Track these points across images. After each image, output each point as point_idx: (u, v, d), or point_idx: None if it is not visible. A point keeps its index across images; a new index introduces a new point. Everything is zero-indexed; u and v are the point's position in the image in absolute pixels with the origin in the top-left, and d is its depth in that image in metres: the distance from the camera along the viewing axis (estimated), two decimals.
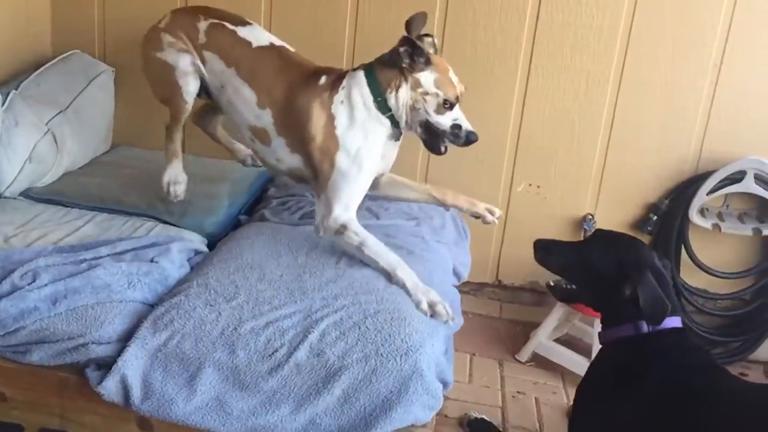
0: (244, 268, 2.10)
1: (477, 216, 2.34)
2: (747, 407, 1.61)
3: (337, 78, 2.24)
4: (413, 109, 2.16)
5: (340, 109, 2.18)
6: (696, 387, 1.68)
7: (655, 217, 2.96)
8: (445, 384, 1.94)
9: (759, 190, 2.84)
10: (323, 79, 2.24)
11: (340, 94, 2.19)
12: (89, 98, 2.91)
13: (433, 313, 2.00)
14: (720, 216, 2.95)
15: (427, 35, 2.24)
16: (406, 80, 2.14)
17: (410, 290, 2.03)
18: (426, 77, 2.14)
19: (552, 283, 1.99)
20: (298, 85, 2.24)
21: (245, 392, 1.80)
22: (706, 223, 2.90)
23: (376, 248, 2.11)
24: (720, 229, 2.89)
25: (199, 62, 2.35)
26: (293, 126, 2.23)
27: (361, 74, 2.20)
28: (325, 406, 1.78)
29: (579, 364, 2.73)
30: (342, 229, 2.12)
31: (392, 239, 2.33)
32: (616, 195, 3.02)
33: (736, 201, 2.98)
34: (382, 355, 1.82)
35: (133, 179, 2.67)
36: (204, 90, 2.42)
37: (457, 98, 2.17)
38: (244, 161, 2.65)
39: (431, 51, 2.20)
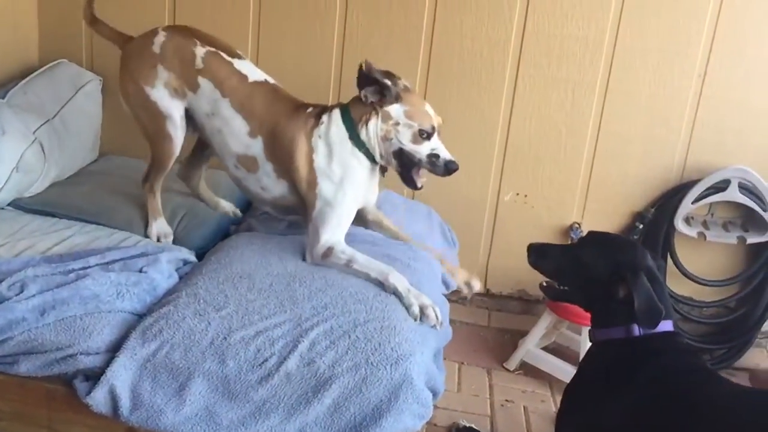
0: (233, 277, 2.09)
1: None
2: (738, 411, 1.61)
3: (320, 112, 2.30)
4: (385, 140, 2.21)
5: (318, 143, 2.24)
6: (686, 390, 1.68)
7: (641, 226, 2.99)
8: (435, 393, 1.95)
9: (743, 199, 2.87)
10: (309, 110, 2.31)
11: (320, 129, 2.26)
12: (77, 107, 2.91)
13: (423, 316, 2.02)
14: (705, 224, 2.98)
15: (396, 77, 2.27)
16: (376, 114, 2.20)
17: (402, 294, 2.05)
18: (396, 109, 2.19)
19: (545, 284, 1.99)
20: (286, 115, 2.30)
21: (235, 402, 1.79)
22: (692, 232, 2.93)
23: (365, 261, 2.15)
24: (705, 238, 2.92)
25: (185, 92, 2.34)
26: (280, 154, 2.28)
27: (336, 112, 2.27)
28: (315, 415, 1.78)
29: (567, 372, 2.74)
30: (328, 252, 2.17)
31: (378, 248, 2.34)
32: (602, 204, 3.05)
33: (721, 210, 3.01)
34: (372, 363, 1.82)
35: (122, 190, 2.66)
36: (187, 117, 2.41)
37: (433, 128, 2.20)
38: (226, 215, 2.68)
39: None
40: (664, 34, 2.84)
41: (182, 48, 2.34)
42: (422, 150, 2.19)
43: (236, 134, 2.32)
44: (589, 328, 2.62)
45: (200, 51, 2.34)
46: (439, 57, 2.97)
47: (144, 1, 2.99)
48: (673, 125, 2.93)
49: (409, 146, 2.18)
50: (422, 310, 2.02)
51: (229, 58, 2.37)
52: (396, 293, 2.06)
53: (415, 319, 2.01)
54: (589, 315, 2.62)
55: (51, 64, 2.99)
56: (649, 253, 1.88)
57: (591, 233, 2.01)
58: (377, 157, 2.25)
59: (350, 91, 3.00)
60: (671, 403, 1.66)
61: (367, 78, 2.18)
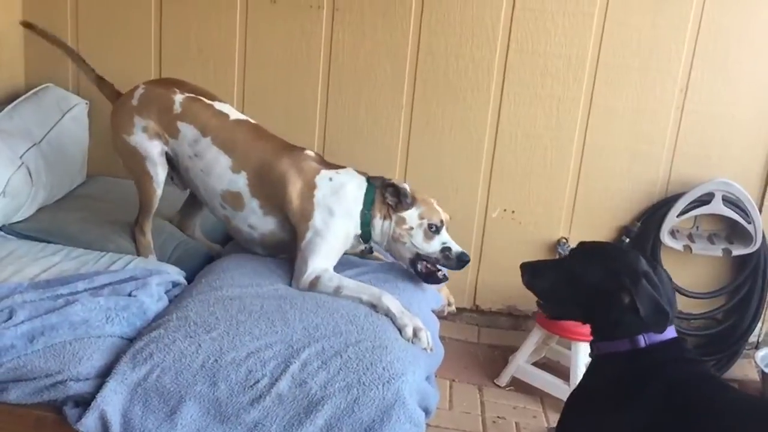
0: (223, 299, 2.09)
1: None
2: (751, 419, 1.59)
3: (327, 162, 2.37)
4: (398, 241, 2.28)
5: (325, 182, 2.28)
6: (698, 401, 1.63)
7: (628, 240, 3.02)
8: (427, 412, 1.95)
9: (727, 212, 2.91)
10: (310, 152, 2.37)
11: (331, 173, 2.31)
12: (63, 131, 2.90)
13: (416, 339, 2.03)
14: (690, 237, 3.01)
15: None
16: (390, 218, 2.27)
17: (396, 315, 2.06)
18: (410, 214, 2.27)
19: (542, 302, 1.94)
20: (278, 150, 2.34)
21: (227, 425, 1.79)
22: (678, 245, 2.96)
23: (354, 286, 2.16)
24: (691, 251, 2.95)
25: (167, 138, 2.39)
26: (269, 188, 2.30)
27: (364, 180, 2.33)
28: None
29: (558, 387, 2.75)
30: (315, 281, 2.18)
31: (364, 269, 2.36)
32: (589, 218, 3.07)
33: (706, 222, 3.05)
34: (364, 383, 1.82)
35: (113, 217, 2.65)
36: (169, 164, 2.46)
37: (442, 222, 2.28)
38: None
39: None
40: (645, 50, 2.89)
41: (160, 97, 2.42)
42: (434, 245, 2.25)
43: (219, 171, 2.34)
44: (580, 342, 2.67)
45: (179, 98, 2.40)
46: (425, 76, 3.00)
47: (130, 47, 3.00)
48: (657, 140, 2.97)
49: (422, 246, 2.25)
50: (415, 332, 2.04)
51: (209, 101, 2.43)
52: (389, 314, 2.07)
53: (408, 341, 2.01)
54: (580, 330, 2.66)
55: (37, 89, 2.99)
56: (642, 256, 1.82)
57: (581, 244, 1.94)
58: (380, 246, 2.35)
59: (336, 110, 3.06)
60: (685, 415, 1.61)
61: (383, 181, 2.28)
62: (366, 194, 2.29)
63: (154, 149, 2.41)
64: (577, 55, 2.92)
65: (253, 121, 2.47)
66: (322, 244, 2.22)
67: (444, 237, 2.28)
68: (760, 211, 2.94)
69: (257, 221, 2.35)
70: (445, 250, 2.26)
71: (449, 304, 2.56)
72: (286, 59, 3.05)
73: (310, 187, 2.27)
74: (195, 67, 2.70)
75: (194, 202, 2.61)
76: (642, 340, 1.71)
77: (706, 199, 2.91)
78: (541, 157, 3.04)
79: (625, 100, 2.94)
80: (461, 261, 2.27)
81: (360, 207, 2.28)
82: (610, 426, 1.69)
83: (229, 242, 2.66)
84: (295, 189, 2.27)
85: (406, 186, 2.29)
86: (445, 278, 2.30)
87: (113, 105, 2.55)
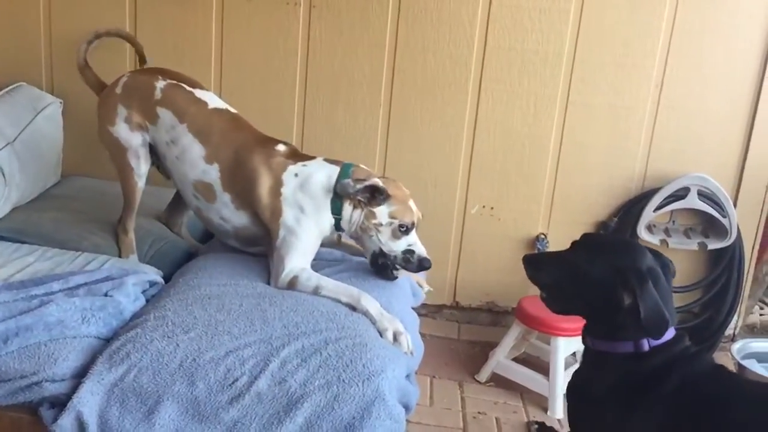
0: (202, 298, 2.07)
1: None
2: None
3: (298, 153, 2.33)
4: (364, 231, 2.24)
5: (290, 179, 2.24)
6: (712, 393, 1.62)
7: None
8: (407, 408, 1.95)
9: (703, 206, 2.94)
10: (281, 147, 2.33)
11: (297, 167, 2.26)
12: (37, 130, 2.86)
13: (396, 342, 2.03)
14: (667, 232, 3.04)
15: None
16: (362, 209, 2.22)
17: (375, 318, 2.06)
18: (382, 211, 2.22)
19: (545, 295, 1.86)
20: (251, 144, 2.31)
21: (205, 424, 1.77)
22: (654, 239, 2.99)
23: (333, 286, 2.15)
24: (667, 245, 2.98)
25: (147, 125, 2.39)
26: (240, 183, 2.28)
27: (335, 168, 2.26)
28: None
29: (538, 382, 2.76)
30: (294, 281, 2.17)
31: (343, 266, 2.36)
32: (567, 214, 3.09)
33: (682, 217, 3.08)
34: (344, 381, 1.81)
35: (88, 216, 2.63)
36: (152, 153, 2.46)
37: (413, 223, 2.24)
38: None
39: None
40: (620, 46, 2.91)
41: (143, 84, 2.43)
42: (399, 246, 2.22)
43: (192, 159, 2.33)
44: (559, 337, 2.68)
45: (160, 84, 2.40)
46: (403, 73, 3.00)
47: (105, 44, 2.96)
48: (633, 135, 3.00)
49: (387, 244, 2.22)
50: (395, 336, 2.03)
51: (189, 88, 2.42)
52: (368, 317, 2.06)
53: (391, 343, 2.02)
54: (560, 325, 2.68)
55: (9, 88, 2.95)
56: (649, 250, 1.76)
57: (586, 236, 1.86)
58: (347, 233, 2.29)
59: (313, 108, 3.05)
60: (704, 410, 1.60)
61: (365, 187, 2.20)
62: (339, 178, 2.23)
63: (135, 140, 2.41)
64: (554, 52, 2.93)
65: (233, 110, 2.44)
66: (296, 243, 2.20)
67: (411, 238, 2.24)
68: (735, 205, 2.98)
69: (230, 215, 2.33)
70: (408, 252, 2.22)
71: (421, 286, 2.52)
72: (263, 56, 3.03)
73: (277, 184, 2.24)
74: (170, 64, 2.67)
75: (181, 200, 2.59)
76: (646, 344, 1.68)
77: (681, 194, 2.94)
78: (519, 154, 3.05)
79: (602, 97, 2.96)
80: (421, 266, 2.23)
81: (330, 195, 2.23)
82: (626, 428, 1.66)
83: (208, 241, 2.65)
84: (263, 187, 2.25)
85: (379, 182, 2.22)
86: (395, 278, 2.28)
87: (98, 96, 2.55)
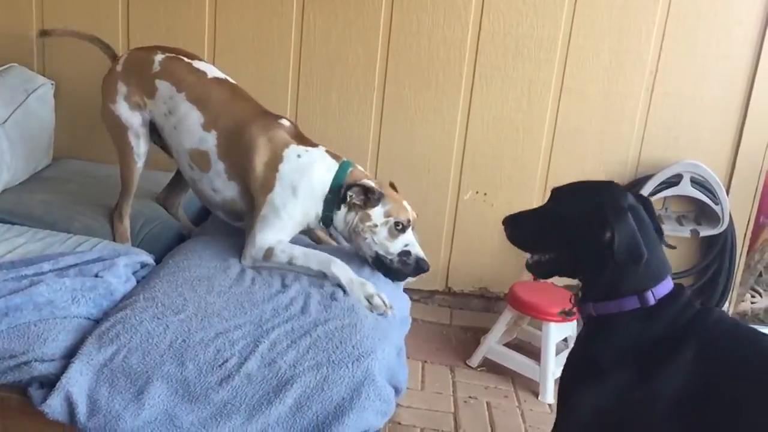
0: (192, 280, 2.07)
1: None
2: None
3: (302, 136, 2.29)
4: (359, 236, 2.19)
5: (292, 157, 2.21)
6: (738, 354, 1.53)
7: None
8: (397, 389, 1.95)
9: (695, 193, 2.94)
10: (285, 122, 2.29)
11: (301, 149, 2.23)
12: (28, 112, 2.84)
13: (371, 307, 2.03)
14: (660, 218, 3.04)
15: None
16: (356, 212, 2.18)
17: (345, 285, 2.06)
18: (377, 212, 2.18)
19: (530, 261, 1.78)
20: (252, 114, 2.29)
21: (195, 404, 1.77)
22: None
23: (304, 254, 2.14)
24: None
25: (145, 101, 2.38)
26: (237, 151, 2.25)
27: (335, 163, 2.22)
28: (277, 415, 1.76)
29: (529, 368, 2.77)
30: (269, 252, 2.15)
31: (340, 250, 2.35)
32: None
33: (675, 204, 3.08)
34: (333, 362, 1.82)
35: (78, 198, 2.61)
36: (152, 131, 2.45)
37: (409, 221, 2.19)
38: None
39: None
40: (615, 32, 2.90)
41: (142, 59, 2.42)
42: (396, 246, 2.17)
43: (190, 126, 2.30)
44: (551, 323, 2.69)
45: (159, 57, 2.40)
46: (397, 57, 2.99)
47: (97, 27, 2.93)
48: (627, 121, 2.99)
49: (383, 245, 2.17)
50: (369, 299, 2.03)
51: (188, 60, 2.41)
52: (340, 285, 2.06)
53: (369, 310, 2.02)
54: (551, 310, 2.69)
55: (1, 69, 2.92)
56: (631, 193, 1.67)
57: (561, 186, 1.77)
58: (341, 233, 2.26)
59: (307, 92, 3.04)
60: (728, 369, 1.50)
61: (353, 185, 2.17)
62: (334, 179, 2.22)
63: (135, 120, 2.40)
64: (549, 37, 2.92)
65: (233, 81, 2.42)
66: (276, 221, 2.18)
67: (408, 238, 2.20)
68: (728, 192, 2.99)
69: (221, 185, 2.31)
70: (405, 254, 2.17)
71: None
72: (257, 40, 3.02)
73: (276, 159, 2.21)
74: (160, 44, 2.66)
75: (180, 181, 2.58)
76: (651, 297, 1.57)
77: (674, 181, 2.94)
78: (512, 139, 3.04)
79: (596, 83, 2.96)
80: (419, 268, 2.18)
81: (326, 190, 2.21)
82: (640, 398, 1.53)
83: (201, 223, 2.64)
84: (260, 158, 2.22)
85: (372, 183, 2.20)
86: (404, 278, 2.22)
87: None
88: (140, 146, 2.43)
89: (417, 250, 2.19)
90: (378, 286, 2.13)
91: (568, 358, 1.76)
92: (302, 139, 2.29)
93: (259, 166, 2.22)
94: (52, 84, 3.02)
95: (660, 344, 1.55)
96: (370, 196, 2.17)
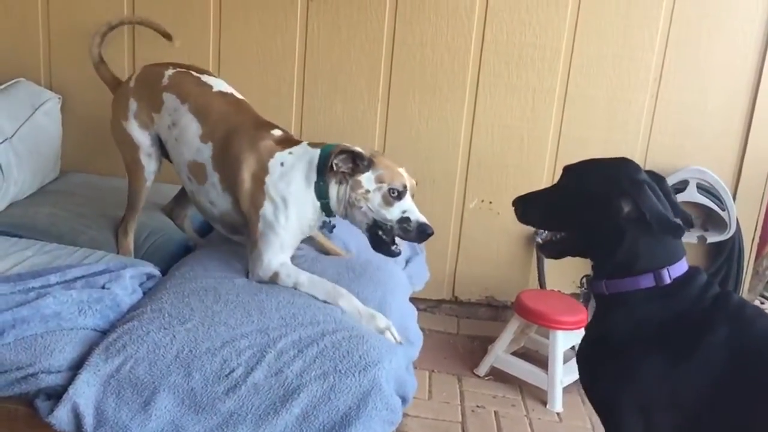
0: (198, 290, 2.07)
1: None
2: None
3: (290, 140, 2.24)
4: (354, 206, 2.11)
5: (277, 168, 2.16)
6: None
7: None
8: (404, 399, 1.94)
9: (702, 199, 2.94)
10: (276, 132, 2.25)
11: (284, 154, 2.17)
12: (35, 126, 2.87)
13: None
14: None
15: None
16: (346, 182, 2.11)
17: (354, 318, 2.02)
18: (367, 177, 2.09)
19: (540, 241, 1.75)
20: (245, 126, 2.25)
21: (202, 415, 1.76)
22: None
23: (310, 282, 2.10)
24: None
25: (152, 116, 2.38)
26: (227, 163, 2.23)
27: (317, 152, 2.15)
28: (284, 425, 1.76)
29: (537, 376, 2.76)
30: (275, 276, 2.13)
31: (339, 260, 2.35)
32: None
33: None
34: (340, 371, 1.81)
35: (85, 211, 2.63)
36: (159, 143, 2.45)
37: (405, 186, 2.09)
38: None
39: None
40: (618, 40, 2.91)
41: (153, 74, 2.42)
42: (393, 213, 2.07)
43: (189, 138, 2.30)
44: (558, 331, 2.68)
45: (169, 71, 2.40)
46: (401, 67, 3.00)
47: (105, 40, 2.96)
48: (631, 129, 2.99)
49: (379, 212, 2.07)
50: (379, 333, 1.99)
51: (197, 74, 2.41)
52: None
53: None
54: (559, 318, 2.68)
55: (8, 83, 2.95)
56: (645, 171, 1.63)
57: (572, 164, 1.73)
58: (337, 214, 2.18)
59: (311, 102, 3.05)
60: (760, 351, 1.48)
61: (341, 151, 2.09)
62: (319, 164, 2.13)
63: (145, 139, 2.41)
64: (552, 46, 2.93)
65: (240, 96, 2.41)
66: (275, 238, 2.13)
67: (406, 204, 2.08)
68: (734, 198, 2.98)
69: (216, 197, 2.28)
70: (404, 220, 2.06)
71: None
72: (261, 52, 3.04)
73: (262, 172, 2.16)
74: (168, 59, 2.67)
75: (186, 193, 2.56)
76: (666, 275, 1.53)
77: (680, 187, 2.94)
78: (517, 148, 3.05)
79: (600, 90, 2.96)
80: (422, 233, 2.05)
81: (314, 180, 2.13)
82: (678, 380, 1.49)
83: (207, 235, 2.65)
84: (248, 171, 2.17)
85: (360, 149, 2.11)
86: (397, 254, 2.13)
87: (113, 92, 2.55)
88: (151, 165, 2.43)
89: (417, 216, 2.07)
90: (390, 312, 2.09)
91: (584, 340, 1.70)
92: (286, 143, 2.22)
93: (246, 180, 2.17)
94: (59, 98, 3.05)
95: (686, 324, 1.51)
96: (358, 163, 2.08)
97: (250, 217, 2.18)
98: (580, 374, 1.72)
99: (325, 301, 2.06)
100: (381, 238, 2.10)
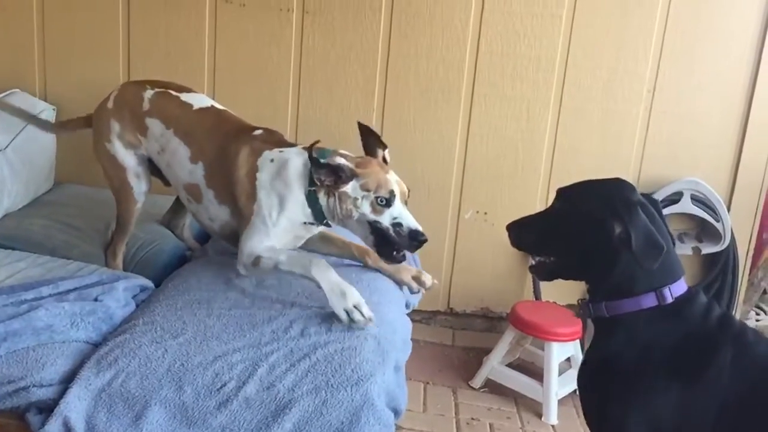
0: (191, 303, 2.07)
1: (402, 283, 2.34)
2: None
3: (280, 140, 2.23)
4: (347, 217, 2.09)
5: (266, 164, 2.15)
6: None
7: None
8: (396, 412, 1.93)
9: (696, 210, 2.94)
10: (259, 132, 2.24)
11: (274, 153, 2.16)
12: (29, 137, 2.86)
13: (349, 321, 1.95)
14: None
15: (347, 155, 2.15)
16: (334, 195, 2.08)
17: (325, 290, 1.97)
18: (352, 186, 2.06)
19: (533, 263, 1.73)
20: (230, 134, 2.25)
21: (193, 429, 1.75)
22: None
23: (288, 258, 2.07)
24: None
25: (139, 139, 2.36)
26: (221, 174, 2.22)
27: (306, 156, 2.09)
28: None
29: (532, 388, 2.75)
30: (257, 260, 2.11)
31: (339, 269, 2.33)
32: None
33: (676, 221, 3.07)
34: (332, 386, 1.80)
35: (78, 223, 2.63)
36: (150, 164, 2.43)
37: (391, 193, 2.05)
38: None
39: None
40: (613, 51, 2.92)
41: (132, 95, 2.40)
42: (384, 220, 2.04)
43: (180, 162, 2.30)
44: (553, 343, 2.67)
45: (148, 93, 2.38)
46: (396, 78, 3.00)
47: (98, 53, 2.96)
48: (626, 140, 3.00)
49: (371, 217, 2.05)
50: (349, 314, 1.95)
51: (176, 94, 2.38)
52: (320, 288, 1.98)
53: (345, 322, 1.95)
54: (554, 330, 2.68)
55: (3, 94, 2.95)
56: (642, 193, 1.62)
57: (562, 188, 1.71)
58: (331, 222, 2.17)
59: (307, 114, 3.05)
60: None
61: (318, 163, 2.05)
62: (310, 171, 2.09)
63: (130, 159, 2.38)
64: (546, 57, 2.93)
65: (219, 106, 2.39)
66: (262, 227, 2.13)
67: (396, 211, 2.05)
68: (729, 209, 2.98)
69: (215, 212, 2.29)
70: (396, 225, 2.03)
71: (419, 281, 2.35)
72: (256, 63, 3.04)
73: (253, 170, 2.16)
74: (164, 72, 2.69)
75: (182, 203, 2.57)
76: (668, 293, 1.52)
77: (675, 199, 2.94)
78: (512, 159, 3.05)
79: (594, 101, 2.97)
80: (414, 240, 2.02)
81: (306, 185, 2.11)
82: (688, 402, 1.48)
83: (207, 242, 2.64)
84: (241, 172, 2.18)
85: (341, 160, 2.06)
86: (401, 260, 2.12)
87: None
88: (141, 186, 2.41)
89: (409, 222, 2.03)
90: (377, 295, 2.08)
91: (586, 364, 1.67)
92: (276, 143, 2.22)
93: (241, 180, 2.18)
94: (53, 109, 3.05)
95: (695, 345, 1.50)
96: (341, 174, 2.04)
97: (245, 213, 2.18)
98: (582, 400, 1.67)
99: (302, 275, 2.02)
100: (383, 240, 2.07)
